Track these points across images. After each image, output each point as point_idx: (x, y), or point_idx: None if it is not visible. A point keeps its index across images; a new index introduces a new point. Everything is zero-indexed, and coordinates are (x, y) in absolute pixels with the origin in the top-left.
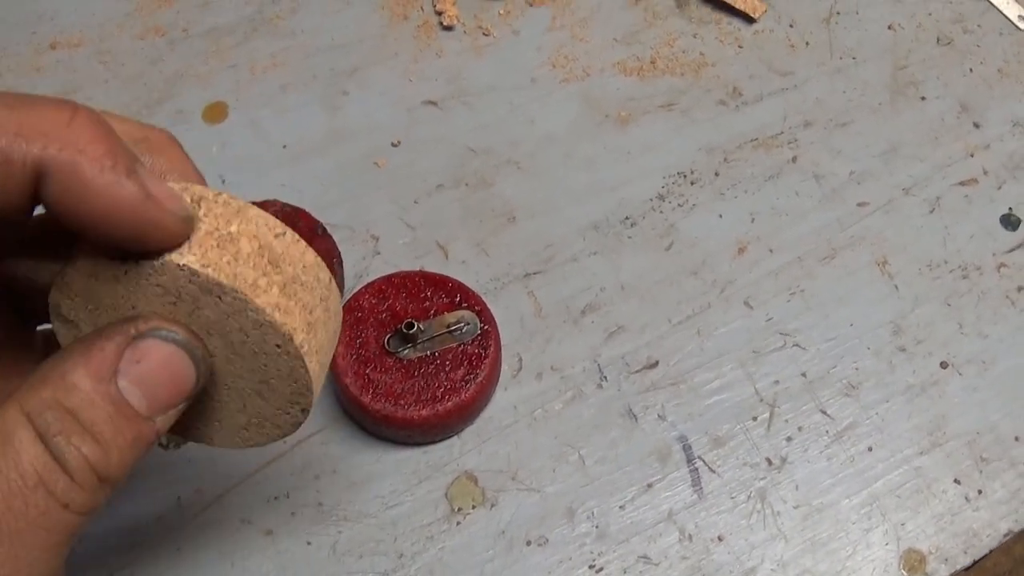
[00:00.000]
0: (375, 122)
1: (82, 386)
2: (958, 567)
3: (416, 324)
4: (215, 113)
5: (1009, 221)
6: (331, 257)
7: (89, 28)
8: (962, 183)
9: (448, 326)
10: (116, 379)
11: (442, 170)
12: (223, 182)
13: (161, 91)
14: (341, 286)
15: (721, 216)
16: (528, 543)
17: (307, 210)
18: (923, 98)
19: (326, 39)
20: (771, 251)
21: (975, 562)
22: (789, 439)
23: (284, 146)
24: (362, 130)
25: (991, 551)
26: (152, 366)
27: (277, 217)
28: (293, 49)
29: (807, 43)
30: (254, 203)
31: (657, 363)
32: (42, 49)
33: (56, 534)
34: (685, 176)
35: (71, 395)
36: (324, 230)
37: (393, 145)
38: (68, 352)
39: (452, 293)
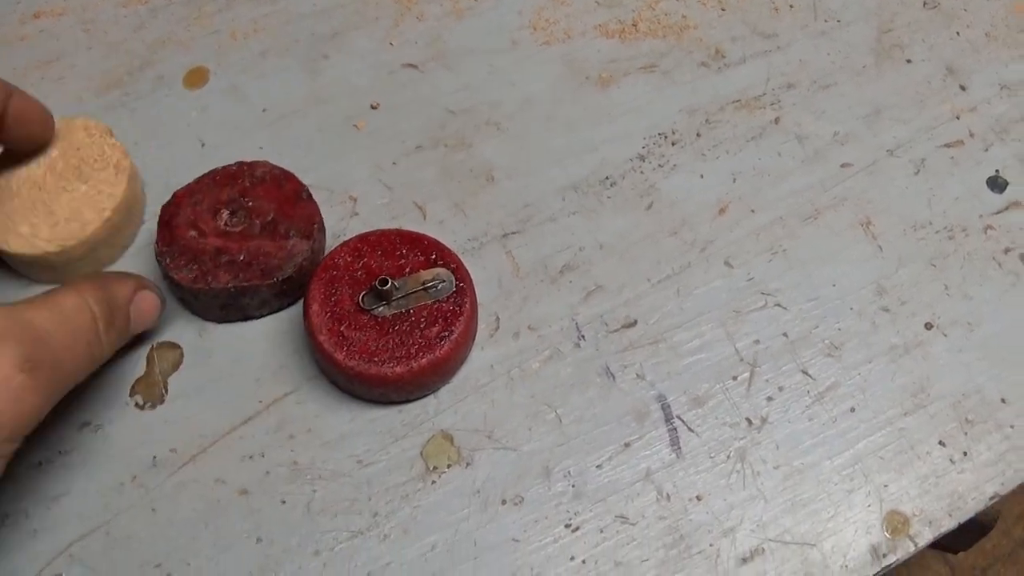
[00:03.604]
0: (355, 85)
1: (120, 292)
2: (943, 530)
3: (390, 281)
4: (196, 78)
5: (996, 183)
6: (312, 222)
7: None
8: (948, 145)
9: (423, 283)
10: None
11: (421, 131)
12: (203, 145)
13: (143, 57)
14: (321, 249)
15: (702, 176)
16: (504, 502)
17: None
18: (908, 61)
19: (307, 4)
20: (753, 211)
21: (960, 525)
22: (770, 399)
23: (264, 109)
24: (342, 93)
25: (992, 530)
26: (145, 304)
27: (266, 179)
28: (274, 15)
29: (791, 6)
30: (242, 163)
31: (636, 322)
32: (26, 18)
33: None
34: (666, 137)
35: (116, 291)
36: (309, 195)
37: (372, 107)
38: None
39: (427, 251)
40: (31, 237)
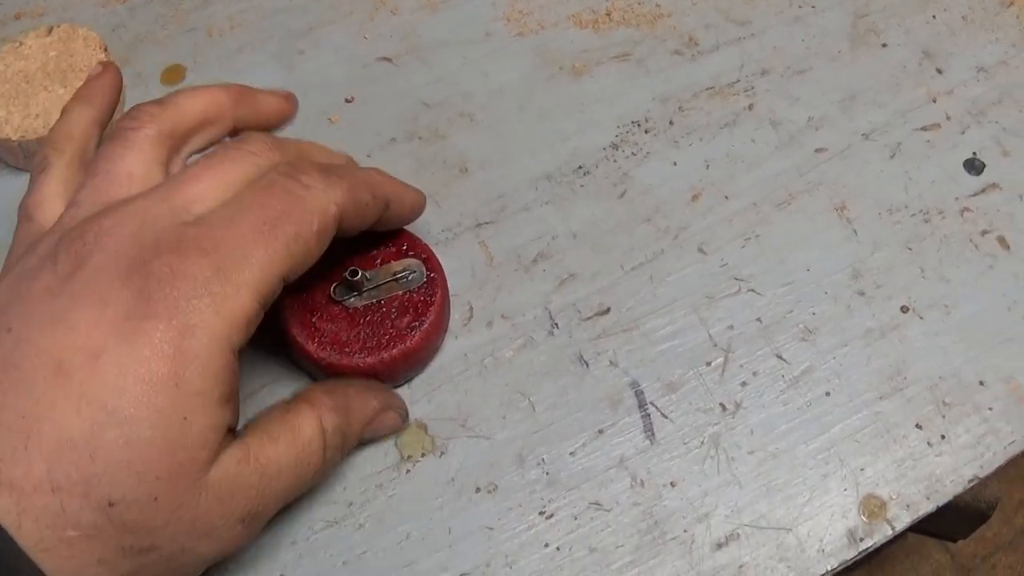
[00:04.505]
0: (329, 79)
1: (359, 417)
2: (921, 513)
3: (360, 272)
4: (173, 75)
5: (973, 165)
6: None
7: None
8: (924, 128)
9: (394, 274)
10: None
11: (395, 124)
12: None
13: (121, 56)
14: None
15: (675, 164)
16: (478, 490)
17: None
18: (884, 45)
19: (282, 0)
20: (726, 197)
21: (938, 508)
22: (744, 384)
23: None
24: (317, 87)
25: (992, 518)
26: (381, 425)
27: None
28: (250, 11)
29: None
30: None
31: (609, 310)
32: (7, 19)
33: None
34: (639, 125)
35: (355, 418)
36: None
37: (347, 101)
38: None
39: (399, 242)
40: (2, 122)
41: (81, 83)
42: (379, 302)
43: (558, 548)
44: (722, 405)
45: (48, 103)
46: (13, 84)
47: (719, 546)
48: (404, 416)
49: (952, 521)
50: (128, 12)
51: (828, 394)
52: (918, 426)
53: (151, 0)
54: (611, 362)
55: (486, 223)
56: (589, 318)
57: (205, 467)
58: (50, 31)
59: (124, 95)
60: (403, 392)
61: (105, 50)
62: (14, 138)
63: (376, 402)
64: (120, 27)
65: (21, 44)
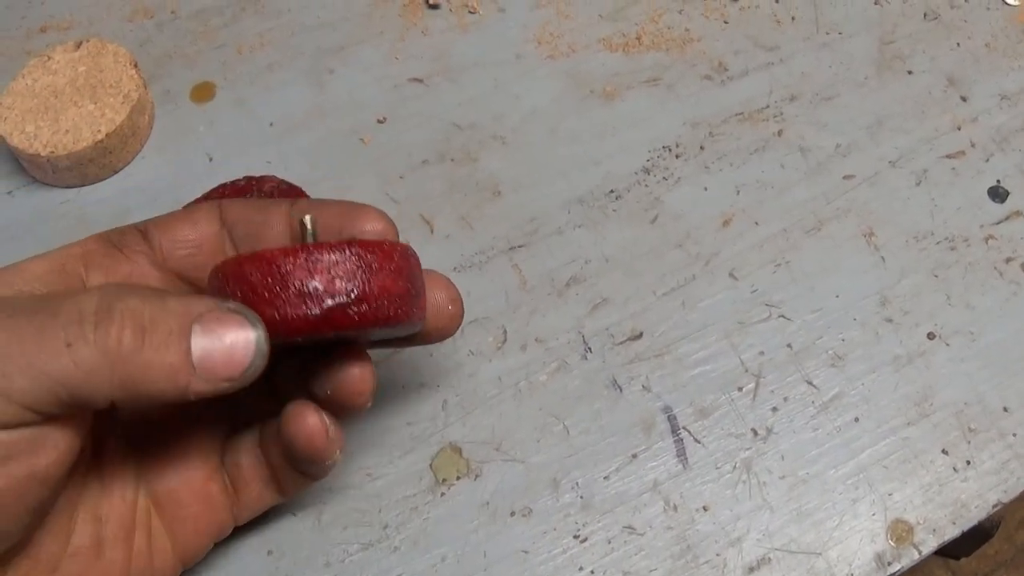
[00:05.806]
0: (360, 99)
1: (170, 305)
2: (946, 538)
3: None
4: (202, 93)
5: (997, 193)
6: None
7: (79, 11)
8: (949, 156)
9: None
10: (195, 323)
11: (427, 146)
12: (211, 160)
13: (149, 72)
14: None
15: (706, 189)
16: (512, 514)
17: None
18: (910, 72)
19: (312, 18)
20: (756, 223)
21: (963, 533)
22: (775, 409)
23: (271, 124)
24: (348, 107)
25: (994, 536)
26: (224, 337)
27: (274, 194)
28: (280, 28)
29: (793, 18)
30: (250, 177)
31: (641, 334)
32: (32, 33)
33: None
34: (670, 150)
35: (156, 301)
36: None
37: (379, 122)
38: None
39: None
40: (31, 137)
41: (111, 99)
42: None
43: (592, 572)
44: (753, 430)
45: (78, 119)
46: (42, 99)
47: (751, 570)
48: (262, 336)
49: (956, 539)
50: (156, 27)
51: (857, 420)
52: (944, 451)
53: (179, 16)
54: (644, 387)
55: (519, 246)
56: (622, 342)
57: None
58: (79, 46)
59: (153, 112)
60: (437, 415)
61: (135, 66)
62: (43, 154)
63: (198, 302)
64: (148, 42)
65: (49, 58)
